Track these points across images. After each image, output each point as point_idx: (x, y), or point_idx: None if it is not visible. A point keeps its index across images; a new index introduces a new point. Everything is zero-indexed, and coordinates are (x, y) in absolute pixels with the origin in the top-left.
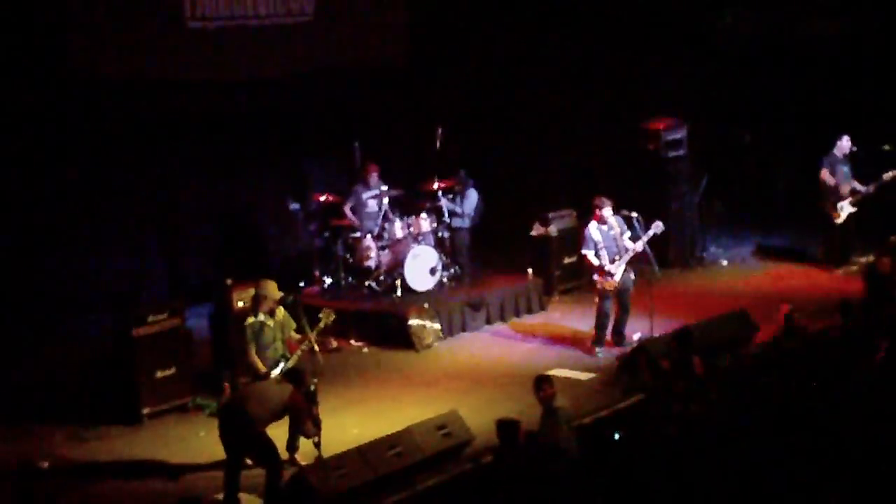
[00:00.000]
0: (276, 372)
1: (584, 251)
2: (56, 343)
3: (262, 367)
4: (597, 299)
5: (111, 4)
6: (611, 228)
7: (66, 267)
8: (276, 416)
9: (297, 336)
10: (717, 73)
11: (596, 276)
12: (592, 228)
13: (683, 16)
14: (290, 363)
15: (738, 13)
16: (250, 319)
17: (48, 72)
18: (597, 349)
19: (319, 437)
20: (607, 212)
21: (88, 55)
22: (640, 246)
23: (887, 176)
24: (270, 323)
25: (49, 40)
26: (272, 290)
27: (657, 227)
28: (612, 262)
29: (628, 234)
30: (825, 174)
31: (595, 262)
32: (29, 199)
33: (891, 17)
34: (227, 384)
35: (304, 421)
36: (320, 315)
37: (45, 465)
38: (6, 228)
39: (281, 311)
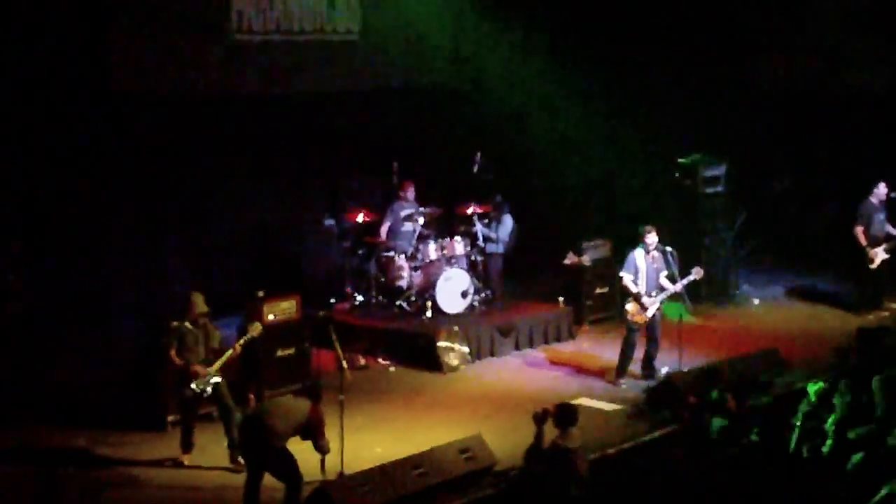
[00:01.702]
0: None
1: (622, 273)
2: (87, 350)
3: (178, 362)
4: (625, 331)
5: (156, 16)
6: (654, 261)
7: (103, 275)
8: (297, 431)
9: (218, 348)
10: (760, 115)
11: (628, 306)
12: (638, 255)
13: (728, 56)
14: (215, 367)
15: (780, 57)
16: (175, 323)
17: (90, 86)
18: (620, 381)
19: (323, 456)
20: (651, 239)
21: (131, 69)
22: (679, 287)
23: None
24: (193, 328)
25: (92, 54)
26: (200, 302)
27: (697, 273)
28: (649, 296)
29: (665, 272)
30: (859, 231)
31: (632, 287)
32: (67, 208)
33: None
34: (252, 395)
35: (321, 436)
36: (249, 327)
37: (70, 470)
38: (43, 237)
39: (206, 321)
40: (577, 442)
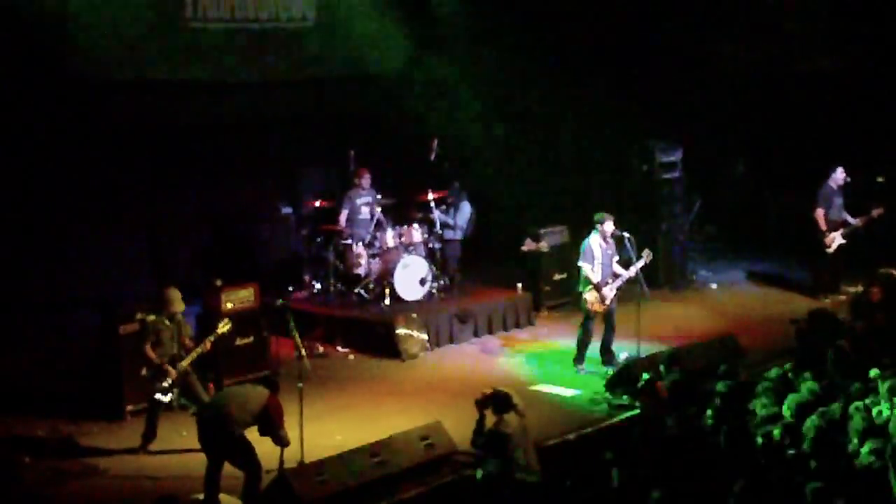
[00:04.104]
0: (175, 367)
1: (582, 263)
2: (43, 340)
3: (155, 359)
4: (582, 318)
5: (112, 3)
6: (609, 247)
7: (58, 264)
8: (255, 420)
9: (193, 344)
10: (714, 100)
11: (587, 295)
12: (594, 242)
13: (683, 42)
14: (186, 362)
15: (737, 43)
16: (151, 318)
17: (47, 72)
18: (578, 366)
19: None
20: (608, 227)
21: (87, 55)
22: (632, 272)
23: (875, 212)
24: (168, 324)
25: (49, 41)
26: (176, 299)
27: (647, 255)
28: (605, 284)
29: (617, 258)
30: (819, 214)
31: (592, 277)
32: (22, 197)
33: (886, 54)
34: (211, 384)
35: (279, 427)
36: (219, 323)
37: (27, 460)
38: None
39: (179, 317)
40: (512, 427)
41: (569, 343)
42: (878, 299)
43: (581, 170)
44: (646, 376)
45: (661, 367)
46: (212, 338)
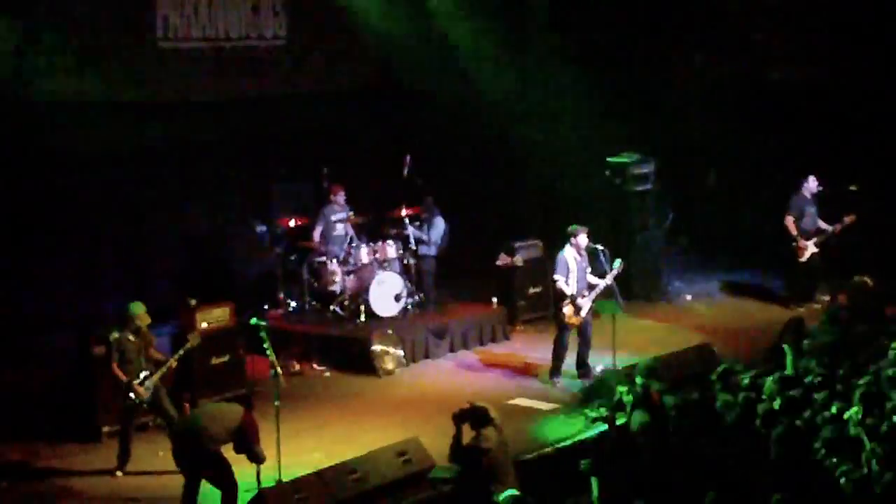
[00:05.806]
0: (144, 383)
1: (556, 276)
2: (18, 362)
3: (123, 377)
4: (557, 330)
5: (79, 22)
6: (583, 261)
7: (32, 286)
8: (231, 436)
9: (159, 354)
10: (686, 112)
11: (565, 309)
12: (568, 255)
13: (654, 54)
14: (155, 377)
15: (707, 55)
16: (115, 335)
17: (14, 92)
18: (555, 380)
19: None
20: (582, 240)
21: (56, 76)
22: (607, 282)
23: (847, 219)
24: (133, 339)
25: (13, 59)
26: (140, 312)
27: (620, 265)
28: (581, 296)
29: (590, 269)
30: (789, 221)
31: (567, 289)
32: None
33: (857, 63)
34: (187, 404)
35: (256, 443)
36: (188, 336)
37: (3, 484)
38: None
39: (143, 329)
40: (490, 442)
41: (544, 357)
42: (845, 305)
43: (554, 183)
44: (639, 381)
45: (638, 379)
46: (181, 351)
